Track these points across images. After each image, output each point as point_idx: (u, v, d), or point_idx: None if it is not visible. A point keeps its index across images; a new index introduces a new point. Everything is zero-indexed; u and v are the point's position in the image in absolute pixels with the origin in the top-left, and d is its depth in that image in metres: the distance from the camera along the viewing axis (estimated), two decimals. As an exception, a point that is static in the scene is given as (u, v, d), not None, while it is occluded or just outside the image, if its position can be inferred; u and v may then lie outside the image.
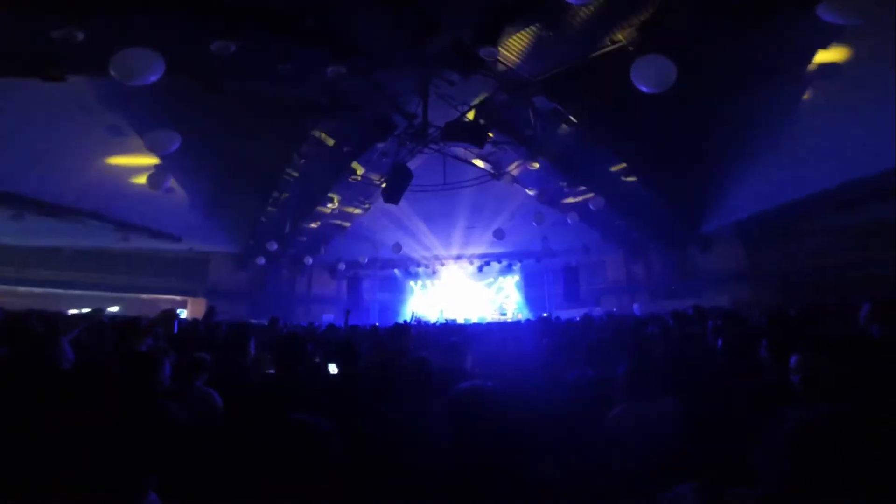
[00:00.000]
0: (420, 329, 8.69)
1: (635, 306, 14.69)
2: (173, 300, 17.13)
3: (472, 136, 7.80)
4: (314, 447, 1.41)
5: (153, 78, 3.73)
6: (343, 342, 3.47)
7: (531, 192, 11.89)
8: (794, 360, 1.94)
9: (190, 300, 16.67)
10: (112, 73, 3.63)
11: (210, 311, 7.14)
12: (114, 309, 16.04)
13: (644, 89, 4.71)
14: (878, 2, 3.81)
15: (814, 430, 0.91)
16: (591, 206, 11.08)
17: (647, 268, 15.62)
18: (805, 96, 6.54)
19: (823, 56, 5.47)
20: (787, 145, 7.58)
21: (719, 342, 3.08)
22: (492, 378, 1.79)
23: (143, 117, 6.28)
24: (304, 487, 1.35)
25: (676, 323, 5.32)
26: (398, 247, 14.19)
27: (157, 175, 7.07)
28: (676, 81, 4.58)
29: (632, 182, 10.39)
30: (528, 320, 12.77)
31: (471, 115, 8.38)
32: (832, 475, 0.88)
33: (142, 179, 7.94)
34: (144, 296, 16.37)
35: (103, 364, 2.60)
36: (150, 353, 2.40)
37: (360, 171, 10.52)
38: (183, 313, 16.31)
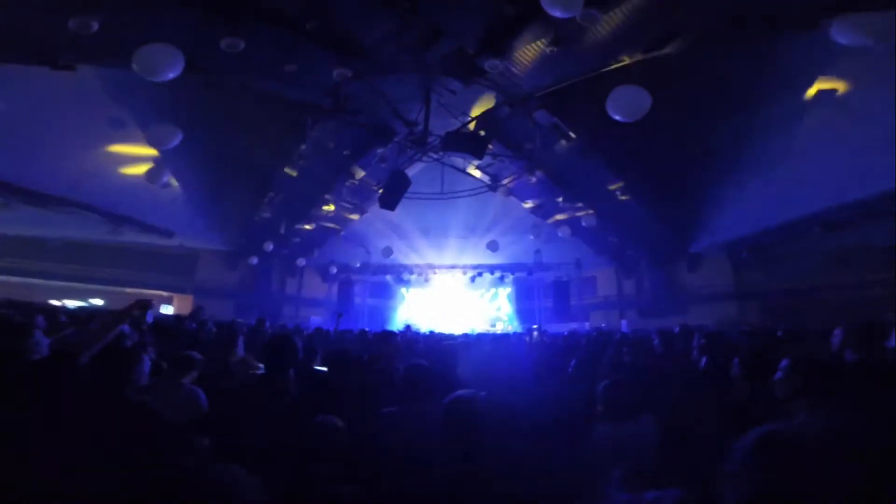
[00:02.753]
0: (409, 337, 8.65)
1: (623, 322, 14.82)
2: (160, 296, 16.89)
3: (472, 146, 7.86)
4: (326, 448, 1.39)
5: (173, 74, 3.73)
6: (341, 352, 3.44)
7: (527, 205, 11.99)
8: (778, 373, 1.98)
9: (176, 297, 16.42)
10: (134, 67, 3.62)
11: (197, 311, 7.06)
12: (98, 302, 15.80)
13: (618, 118, 4.85)
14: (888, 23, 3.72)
15: (772, 444, 0.88)
16: (583, 224, 11.22)
17: (637, 285, 15.73)
18: (800, 121, 6.70)
19: (823, 82, 5.61)
20: (778, 169, 7.74)
21: (703, 360, 3.22)
22: (482, 388, 1.81)
23: (145, 110, 6.24)
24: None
25: (661, 341, 5.42)
26: (389, 251, 14.17)
27: (155, 170, 7.03)
28: (676, 104, 4.70)
29: (626, 200, 10.54)
30: (517, 333, 12.80)
31: (472, 126, 8.46)
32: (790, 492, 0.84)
33: (138, 170, 7.87)
34: (129, 290, 16.07)
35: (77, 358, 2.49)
36: (126, 348, 2.29)
37: (359, 174, 10.54)
38: (169, 310, 16.07)
